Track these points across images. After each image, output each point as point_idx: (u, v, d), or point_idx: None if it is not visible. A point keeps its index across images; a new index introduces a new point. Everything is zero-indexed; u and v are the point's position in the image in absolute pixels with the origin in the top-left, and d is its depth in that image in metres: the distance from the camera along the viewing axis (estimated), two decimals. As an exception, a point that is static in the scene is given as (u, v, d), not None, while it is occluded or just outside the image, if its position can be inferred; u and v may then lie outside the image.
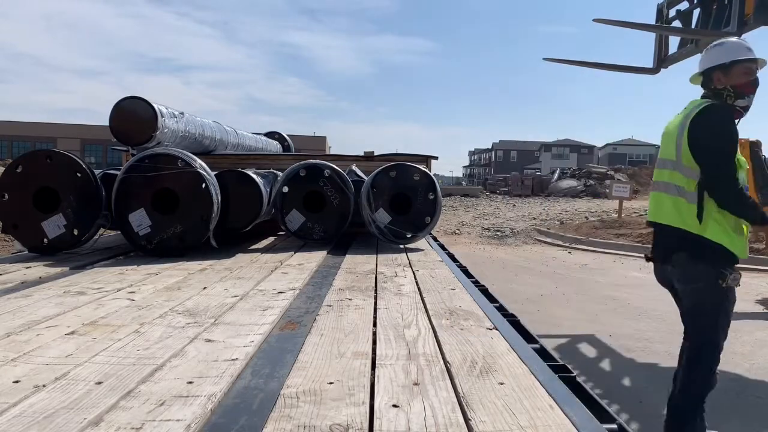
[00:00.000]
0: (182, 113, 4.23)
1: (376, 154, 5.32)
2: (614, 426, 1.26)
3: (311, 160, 4.32)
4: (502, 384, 1.39)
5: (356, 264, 3.42)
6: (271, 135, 7.30)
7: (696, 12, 5.24)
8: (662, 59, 5.61)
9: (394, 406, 1.24)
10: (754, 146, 7.08)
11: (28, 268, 3.14)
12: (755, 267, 9.49)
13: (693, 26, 5.23)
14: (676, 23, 5.48)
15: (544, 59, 5.91)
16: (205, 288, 2.60)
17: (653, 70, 5.54)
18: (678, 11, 5.47)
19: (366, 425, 1.14)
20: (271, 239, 4.86)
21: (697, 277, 2.92)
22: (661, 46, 5.57)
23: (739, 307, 3.11)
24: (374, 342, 1.75)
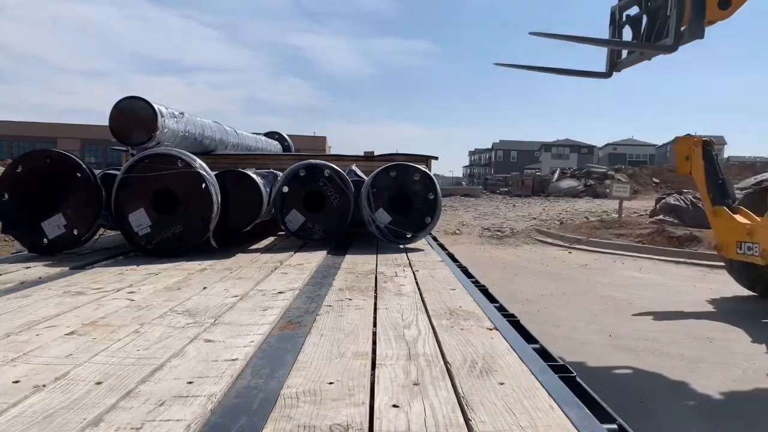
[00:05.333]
0: (182, 113, 4.22)
1: (376, 154, 5.31)
2: (614, 426, 1.25)
3: (311, 160, 4.32)
4: (502, 384, 1.39)
5: (356, 264, 3.42)
6: (271, 135, 7.29)
7: (645, 18, 5.25)
8: (614, 63, 5.66)
9: (394, 406, 1.24)
10: (707, 146, 7.11)
11: (28, 268, 3.14)
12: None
13: (642, 31, 5.22)
14: (627, 29, 5.47)
15: (495, 64, 5.85)
16: (205, 288, 2.60)
17: (605, 75, 5.55)
18: (628, 16, 5.49)
19: (366, 425, 1.14)
20: (271, 239, 4.86)
21: None
22: (613, 50, 5.59)
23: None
24: (374, 342, 1.75)
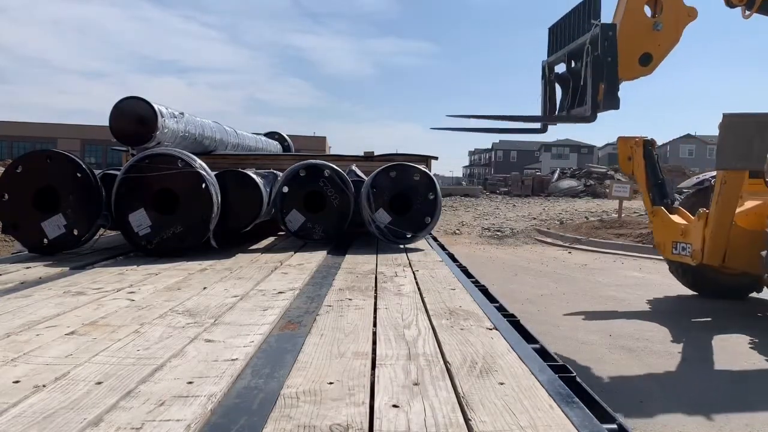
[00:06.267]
0: (182, 113, 4.23)
1: (376, 154, 5.32)
2: (614, 426, 1.25)
3: (311, 160, 4.32)
4: (502, 384, 1.39)
5: (356, 264, 3.42)
6: (271, 135, 7.30)
7: (571, 78, 5.33)
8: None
9: (394, 406, 1.24)
10: (648, 145, 7.13)
11: (28, 268, 3.14)
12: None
13: (569, 90, 5.29)
14: (557, 86, 5.56)
15: (431, 128, 5.98)
16: (205, 288, 2.61)
17: (540, 130, 5.61)
18: (557, 74, 5.56)
19: (366, 425, 1.14)
20: (271, 239, 4.86)
21: None
22: (546, 105, 5.74)
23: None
24: (374, 342, 1.75)
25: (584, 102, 4.92)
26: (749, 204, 6.74)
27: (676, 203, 7.54)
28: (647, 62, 5.07)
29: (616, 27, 4.76)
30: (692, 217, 6.68)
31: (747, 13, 5.75)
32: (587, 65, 4.82)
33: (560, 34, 5.38)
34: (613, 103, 4.76)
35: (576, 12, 5.03)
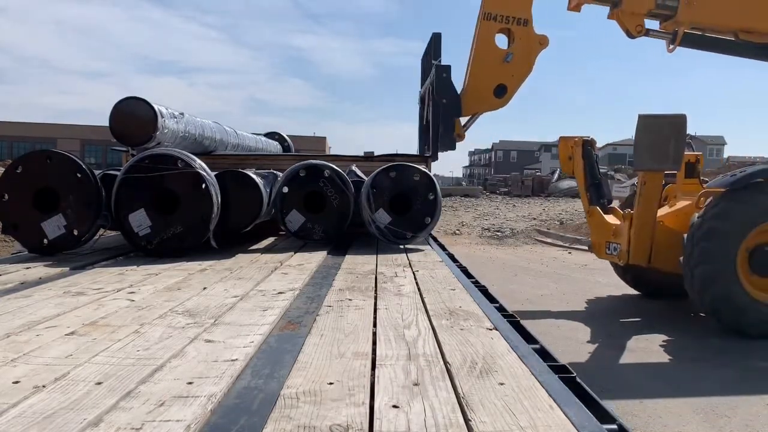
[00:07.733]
0: (182, 114, 4.23)
1: (376, 154, 5.32)
2: (614, 426, 1.25)
3: (311, 160, 4.32)
4: (502, 384, 1.39)
5: (356, 264, 3.42)
6: (271, 135, 7.31)
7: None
8: (434, 153, 5.90)
9: (394, 406, 1.24)
10: (587, 144, 7.12)
11: (28, 268, 3.14)
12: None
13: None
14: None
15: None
16: (205, 288, 2.60)
17: (432, 157, 5.72)
18: (425, 106, 5.63)
19: (366, 425, 1.14)
20: (271, 239, 4.86)
21: None
22: (419, 133, 5.93)
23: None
24: (374, 342, 1.75)
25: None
26: (680, 204, 6.68)
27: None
28: (502, 94, 5.16)
29: (450, 68, 4.90)
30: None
31: (671, 47, 5.81)
32: (428, 105, 4.95)
33: (425, 67, 5.47)
34: (448, 144, 4.95)
35: (432, 47, 5.11)
